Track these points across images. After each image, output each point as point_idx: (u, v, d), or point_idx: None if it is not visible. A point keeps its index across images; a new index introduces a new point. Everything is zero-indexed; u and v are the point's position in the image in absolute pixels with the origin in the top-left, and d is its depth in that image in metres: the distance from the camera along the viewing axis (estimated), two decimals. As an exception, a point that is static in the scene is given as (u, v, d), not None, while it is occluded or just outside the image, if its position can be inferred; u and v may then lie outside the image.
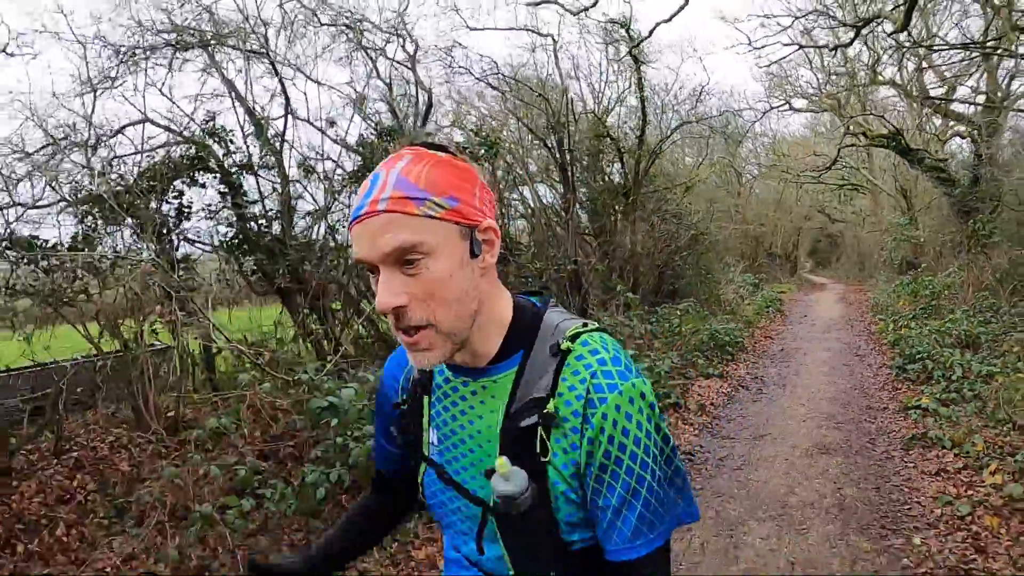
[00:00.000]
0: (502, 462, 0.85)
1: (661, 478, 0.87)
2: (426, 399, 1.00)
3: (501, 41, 30.65)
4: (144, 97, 7.18)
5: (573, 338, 0.90)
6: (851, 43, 9.28)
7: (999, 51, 9.30)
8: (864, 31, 8.87)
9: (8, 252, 5.54)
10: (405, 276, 0.83)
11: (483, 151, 7.25)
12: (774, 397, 6.96)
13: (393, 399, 1.07)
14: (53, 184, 6.46)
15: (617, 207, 11.54)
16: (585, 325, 0.92)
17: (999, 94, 14.79)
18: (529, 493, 0.85)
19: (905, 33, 9.29)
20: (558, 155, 9.42)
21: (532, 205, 10.73)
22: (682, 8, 7.21)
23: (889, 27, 8.56)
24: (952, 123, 17.27)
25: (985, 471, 4.36)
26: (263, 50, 6.99)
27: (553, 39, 9.73)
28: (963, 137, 16.31)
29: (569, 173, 9.23)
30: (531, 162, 10.44)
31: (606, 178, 11.85)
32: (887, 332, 10.03)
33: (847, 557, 3.39)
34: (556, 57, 9.67)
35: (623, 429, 0.84)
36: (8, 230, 5.79)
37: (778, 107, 19.59)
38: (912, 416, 5.76)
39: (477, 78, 9.55)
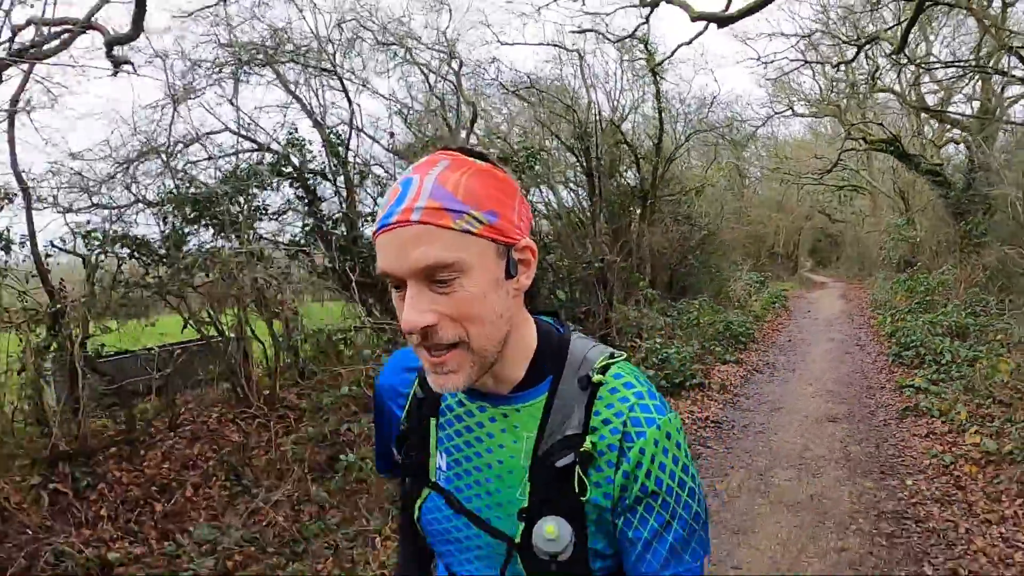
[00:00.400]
0: (551, 529, 0.84)
1: (693, 512, 0.85)
2: (432, 421, 0.95)
3: (526, 54, 31.67)
4: (206, 109, 8.07)
5: (603, 369, 0.88)
6: (853, 60, 10.16)
7: (988, 69, 10.17)
8: (865, 47, 9.75)
9: (120, 249, 6.39)
10: (434, 293, 0.78)
11: (525, 160, 8.12)
12: (785, 379, 7.86)
13: (394, 413, 1.02)
14: (134, 186, 7.30)
15: (635, 209, 12.42)
16: (612, 355, 0.90)
17: (992, 99, 15.69)
18: (572, 543, 0.84)
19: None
20: (585, 162, 10.30)
21: (556, 208, 11.63)
22: (701, 33, 8.09)
23: (888, 47, 9.46)
24: (948, 128, 18.16)
25: (967, 433, 5.25)
26: (332, 68, 7.86)
27: (579, 54, 10.62)
28: (957, 143, 17.17)
29: (596, 179, 10.11)
30: (558, 168, 11.31)
31: (622, 182, 12.73)
32: (885, 325, 10.93)
33: (854, 492, 4.29)
34: (583, 72, 10.55)
35: (660, 464, 0.83)
36: (116, 229, 6.64)
37: (781, 113, 20.49)
38: (906, 393, 6.66)
39: (510, 91, 10.43)
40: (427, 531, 0.96)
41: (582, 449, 0.83)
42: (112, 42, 4.50)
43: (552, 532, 0.83)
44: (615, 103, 12.84)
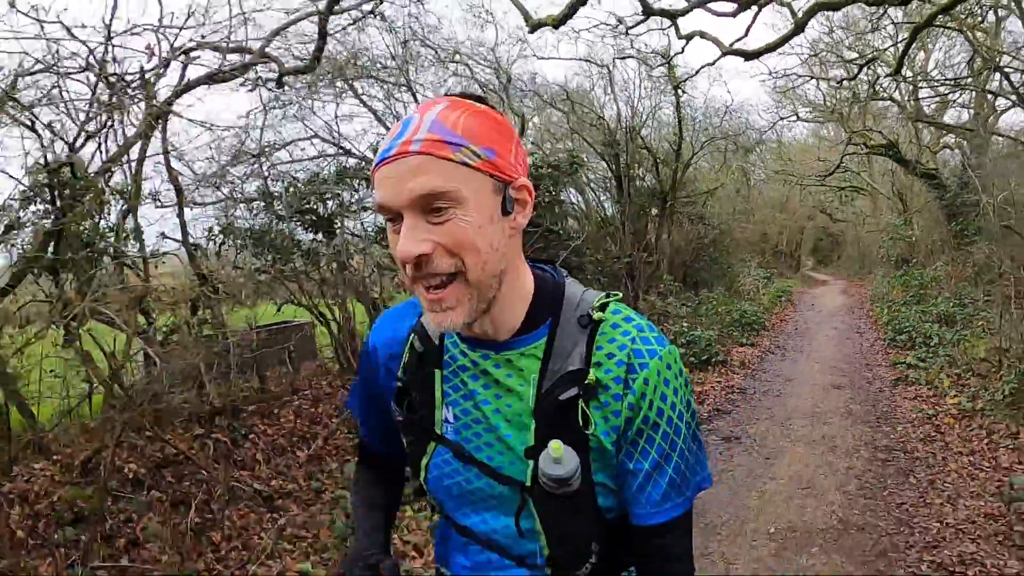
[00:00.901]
0: (557, 446, 0.83)
1: (690, 443, 0.88)
2: (437, 374, 0.94)
3: (554, 66, 33.09)
4: (297, 118, 9.23)
5: (601, 307, 0.89)
6: (854, 77, 11.32)
7: (976, 87, 11.34)
8: (866, 66, 10.90)
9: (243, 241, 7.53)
10: (430, 224, 0.79)
11: (569, 165, 9.29)
12: (795, 359, 9.06)
13: (390, 371, 1.00)
14: (232, 186, 8.44)
15: (654, 210, 13.60)
16: (608, 295, 0.91)
17: (985, 107, 16.85)
18: (579, 472, 0.84)
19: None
20: (614, 167, 11.48)
21: (583, 209, 12.83)
22: (724, 55, 9.24)
23: (887, 64, 10.62)
24: (944, 133, 19.33)
25: (948, 396, 6.44)
26: (407, 83, 9.03)
27: (608, 70, 11.79)
28: (952, 148, 18.32)
29: (625, 183, 11.28)
30: (589, 171, 12.48)
31: (639, 184, 13.91)
32: (882, 315, 12.13)
33: (856, 433, 5.48)
34: (612, 85, 11.72)
35: (662, 394, 0.85)
36: (238, 224, 7.80)
37: (787, 118, 21.67)
38: (898, 368, 7.85)
39: (548, 103, 11.60)
40: (434, 488, 0.96)
41: (586, 381, 0.84)
42: (286, 72, 5.61)
43: (558, 449, 0.83)
44: (634, 110, 14.04)
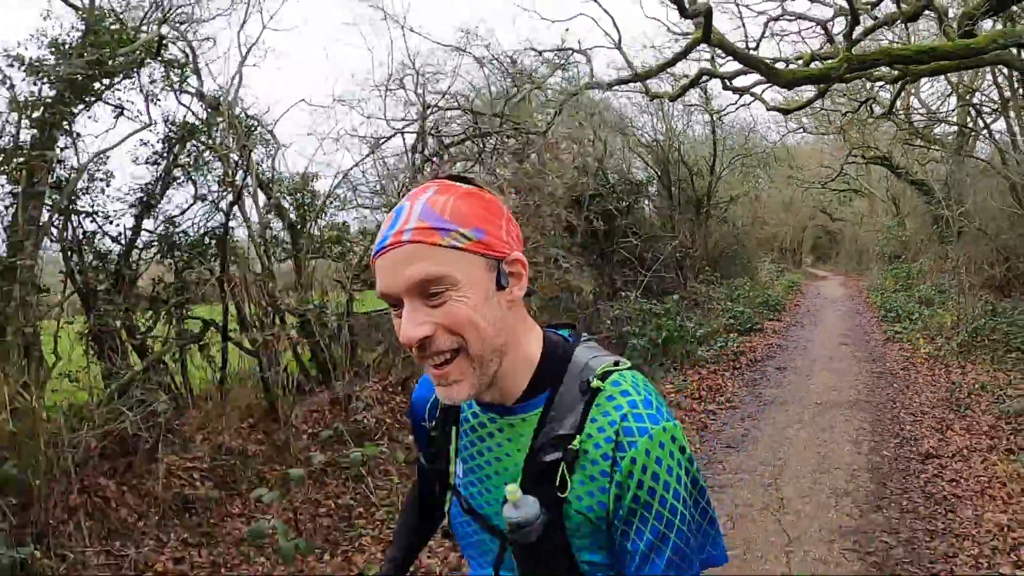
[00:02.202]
0: (512, 489, 0.87)
1: (691, 523, 0.87)
2: (454, 430, 1.02)
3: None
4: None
5: (603, 376, 0.90)
6: (856, 111, 14.24)
7: (953, 123, 14.41)
8: (863, 105, 13.86)
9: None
10: (428, 308, 0.83)
11: (646, 181, 12.25)
12: (811, 329, 12.09)
13: (424, 424, 1.09)
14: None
15: (689, 216, 16.59)
16: (617, 364, 0.93)
17: (969, 123, 19.83)
18: (540, 522, 0.86)
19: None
20: (666, 180, 14.46)
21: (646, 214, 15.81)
22: (755, 100, 12.16)
23: (880, 107, 13.57)
24: (932, 147, 22.32)
25: (920, 349, 9.46)
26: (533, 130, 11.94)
27: (661, 101, 14.73)
28: (938, 162, 21.31)
29: (675, 192, 14.26)
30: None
31: (681, 192, 16.90)
32: (877, 300, 15.16)
33: (859, 368, 8.50)
34: (664, 114, 14.69)
35: (653, 474, 0.84)
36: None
37: (794, 131, 24.65)
38: (887, 333, 10.88)
39: (615, 130, 14.56)
40: (456, 534, 1.05)
41: (569, 446, 0.87)
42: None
43: (513, 492, 0.86)
44: (673, 130, 17.01)
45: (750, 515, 4.14)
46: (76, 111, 5.04)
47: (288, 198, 6.80)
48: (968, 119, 14.69)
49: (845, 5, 6.98)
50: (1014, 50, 7.59)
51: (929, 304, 12.90)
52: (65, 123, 4.94)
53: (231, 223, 6.07)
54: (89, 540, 3.36)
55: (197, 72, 5.98)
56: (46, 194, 4.75)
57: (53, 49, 4.95)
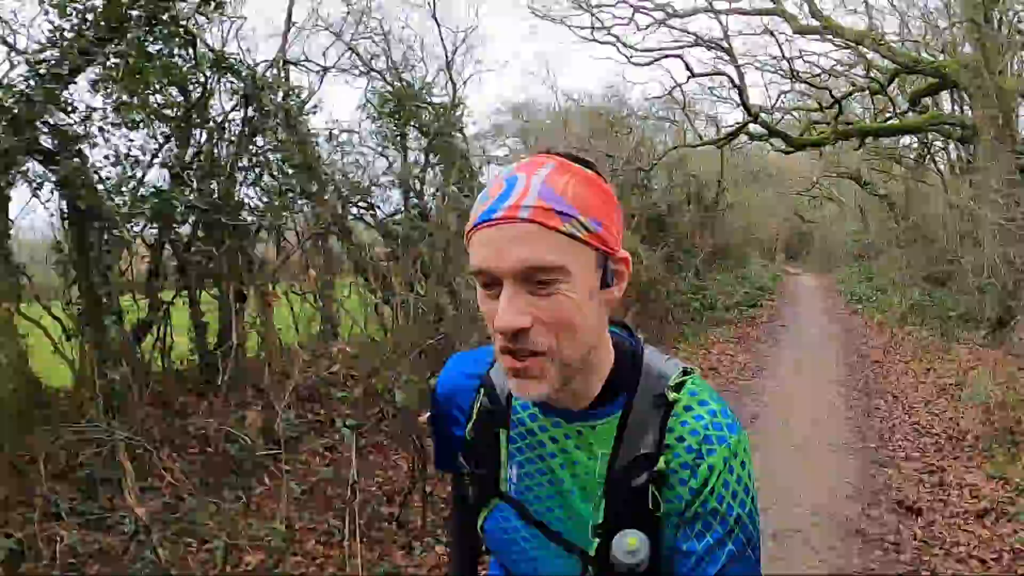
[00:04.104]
0: (633, 541, 0.85)
1: (748, 531, 0.87)
2: (503, 433, 0.95)
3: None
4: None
5: (677, 387, 0.89)
6: (834, 143, 18.42)
7: (910, 159, 18.82)
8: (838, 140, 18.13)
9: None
10: (532, 296, 0.78)
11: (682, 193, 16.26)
12: (796, 306, 16.36)
13: (456, 423, 1.01)
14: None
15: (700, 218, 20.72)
16: (686, 372, 0.91)
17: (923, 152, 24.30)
18: (647, 556, 0.86)
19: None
20: (687, 191, 18.54)
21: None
22: (790, 151, 16.26)
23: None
24: (892, 173, 26.85)
25: (874, 318, 13.72)
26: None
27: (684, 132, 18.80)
28: (897, 180, 25.82)
29: (695, 200, 18.37)
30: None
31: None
32: (844, 290, 19.51)
33: (832, 329, 12.73)
34: (684, 140, 18.77)
35: (724, 482, 0.85)
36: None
37: (778, 149, 28.98)
38: (852, 309, 15.18)
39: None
40: (491, 539, 0.99)
41: (656, 468, 0.85)
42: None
43: (634, 544, 0.85)
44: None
45: (787, 346, 8.26)
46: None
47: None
48: (923, 150, 19.07)
49: (833, 95, 11.12)
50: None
51: (883, 292, 17.22)
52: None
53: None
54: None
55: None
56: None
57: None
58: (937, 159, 20.88)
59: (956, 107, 12.86)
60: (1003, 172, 8.75)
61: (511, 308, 0.77)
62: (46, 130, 4.23)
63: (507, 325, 0.77)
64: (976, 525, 3.94)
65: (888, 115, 13.84)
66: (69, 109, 4.49)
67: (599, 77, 58.06)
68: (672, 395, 0.88)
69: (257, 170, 5.94)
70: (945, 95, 13.12)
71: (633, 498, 0.87)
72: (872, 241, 27.13)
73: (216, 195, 5.40)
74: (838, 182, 33.30)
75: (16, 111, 3.90)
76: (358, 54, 8.13)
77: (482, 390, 0.98)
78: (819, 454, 5.40)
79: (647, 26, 13.54)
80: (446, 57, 8.72)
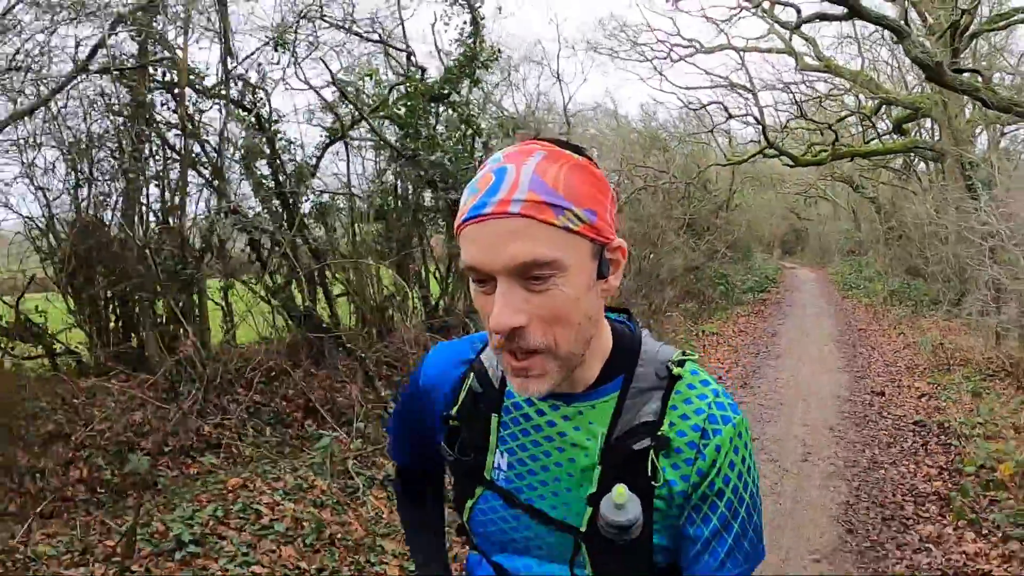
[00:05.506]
0: (621, 491, 0.82)
1: (752, 513, 0.87)
2: (494, 419, 0.93)
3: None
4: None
5: (679, 364, 0.89)
6: (827, 161, 21.47)
7: (896, 170, 21.93)
8: (836, 158, 21.13)
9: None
10: (527, 292, 0.76)
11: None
12: (795, 294, 19.40)
13: (439, 409, 0.98)
14: None
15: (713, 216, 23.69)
16: (684, 354, 0.91)
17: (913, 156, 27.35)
18: (640, 521, 0.83)
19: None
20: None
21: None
22: (795, 167, 19.23)
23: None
24: (881, 180, 29.87)
25: (861, 301, 16.78)
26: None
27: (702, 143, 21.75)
28: (885, 185, 28.91)
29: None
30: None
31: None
32: (837, 280, 22.60)
33: (830, 308, 15.79)
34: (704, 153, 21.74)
35: (730, 462, 0.84)
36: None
37: (778, 156, 32.03)
38: (845, 295, 18.25)
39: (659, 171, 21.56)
40: (478, 532, 0.96)
41: (659, 433, 0.84)
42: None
43: (622, 494, 0.82)
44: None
45: (794, 318, 11.30)
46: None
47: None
48: (907, 159, 22.20)
49: (832, 128, 14.18)
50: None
51: (870, 281, 20.30)
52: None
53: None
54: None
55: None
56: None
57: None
58: (918, 169, 24.09)
59: (931, 133, 15.92)
60: (960, 190, 11.76)
61: (506, 306, 0.75)
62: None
63: (503, 325, 0.75)
64: (915, 400, 6.97)
65: (872, 137, 16.96)
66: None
67: (628, 97, 61.97)
68: (677, 370, 0.88)
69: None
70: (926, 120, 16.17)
71: (631, 464, 0.85)
72: (863, 239, 30.26)
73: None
74: (833, 184, 36.51)
75: None
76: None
77: (472, 375, 0.95)
78: (823, 373, 8.44)
79: (678, 59, 16.60)
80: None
